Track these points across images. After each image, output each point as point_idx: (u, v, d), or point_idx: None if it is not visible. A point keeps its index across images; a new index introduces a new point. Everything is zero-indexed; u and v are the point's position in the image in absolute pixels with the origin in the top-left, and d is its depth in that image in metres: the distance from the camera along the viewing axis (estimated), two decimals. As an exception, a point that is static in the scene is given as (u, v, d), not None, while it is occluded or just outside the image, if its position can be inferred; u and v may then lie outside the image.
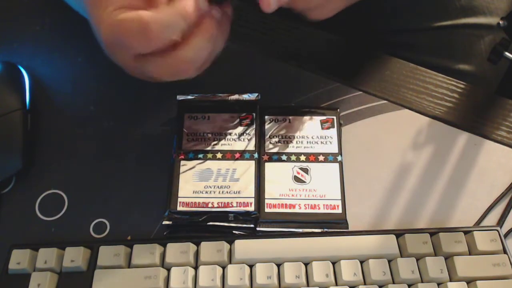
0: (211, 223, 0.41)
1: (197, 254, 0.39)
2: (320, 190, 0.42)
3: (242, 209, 0.41)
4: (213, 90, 0.46)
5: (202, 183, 0.42)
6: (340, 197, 0.42)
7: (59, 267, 0.39)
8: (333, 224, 0.41)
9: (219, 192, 0.41)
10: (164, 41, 0.34)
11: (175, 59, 0.35)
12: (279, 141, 0.44)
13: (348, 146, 0.45)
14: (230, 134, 0.44)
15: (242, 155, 0.43)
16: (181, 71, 0.36)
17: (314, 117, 0.46)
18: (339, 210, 0.41)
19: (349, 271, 0.38)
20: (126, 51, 0.36)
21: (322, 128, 0.45)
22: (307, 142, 0.44)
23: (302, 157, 0.44)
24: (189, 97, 0.45)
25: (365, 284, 0.38)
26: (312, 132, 0.45)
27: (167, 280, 0.38)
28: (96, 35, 0.36)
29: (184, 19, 0.34)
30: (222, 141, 0.44)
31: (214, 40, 0.36)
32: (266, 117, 0.46)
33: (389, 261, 0.39)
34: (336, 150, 0.44)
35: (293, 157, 0.44)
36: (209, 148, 0.43)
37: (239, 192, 0.41)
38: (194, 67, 0.37)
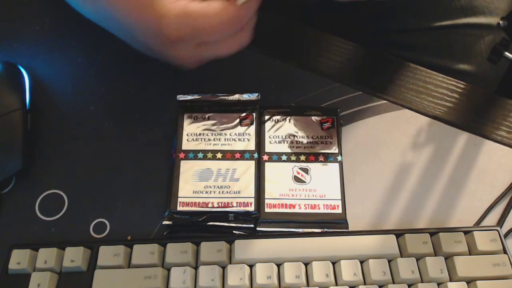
0: (211, 223, 0.41)
1: (197, 254, 0.39)
2: (320, 190, 0.42)
3: (242, 209, 0.41)
4: (213, 90, 0.46)
5: (202, 183, 0.42)
6: (340, 197, 0.42)
7: (59, 267, 0.39)
8: (333, 224, 0.41)
9: (219, 192, 0.41)
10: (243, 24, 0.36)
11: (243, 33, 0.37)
12: (279, 141, 0.44)
13: (348, 146, 0.45)
14: (230, 134, 0.44)
15: (242, 155, 0.43)
16: (244, 40, 0.38)
17: (314, 117, 0.46)
18: (339, 210, 0.41)
19: (349, 271, 0.38)
20: (194, 40, 0.36)
21: (322, 128, 0.45)
22: (307, 142, 0.44)
23: (302, 157, 0.44)
24: (189, 97, 0.45)
25: (365, 284, 0.38)
26: (312, 132, 0.45)
27: (167, 280, 0.38)
28: (139, 32, 0.36)
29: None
30: (222, 141, 0.44)
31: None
32: (266, 117, 0.46)
33: (389, 261, 0.39)
34: (336, 150, 0.44)
35: (293, 157, 0.44)
36: (209, 148, 0.43)
37: (239, 192, 0.41)
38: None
